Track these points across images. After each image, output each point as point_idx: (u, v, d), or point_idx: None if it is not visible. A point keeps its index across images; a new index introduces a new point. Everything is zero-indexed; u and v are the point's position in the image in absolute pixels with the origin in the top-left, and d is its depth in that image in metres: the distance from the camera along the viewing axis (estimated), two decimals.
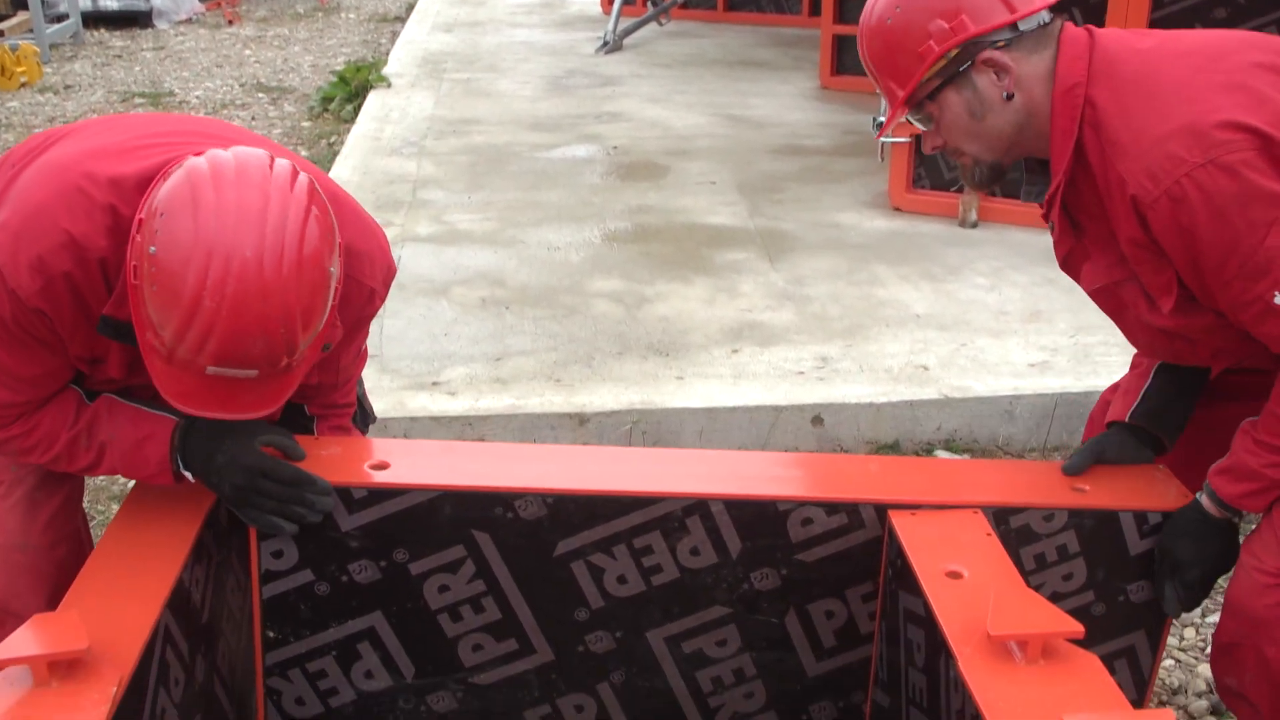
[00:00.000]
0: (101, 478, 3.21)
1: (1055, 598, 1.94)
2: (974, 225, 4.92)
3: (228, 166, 1.61)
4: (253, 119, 7.27)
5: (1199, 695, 2.56)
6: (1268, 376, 1.86)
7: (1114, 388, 2.20)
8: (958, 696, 1.62)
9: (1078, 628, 1.57)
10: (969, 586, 1.74)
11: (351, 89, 7.30)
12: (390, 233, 4.66)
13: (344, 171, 5.64)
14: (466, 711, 2.08)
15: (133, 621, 1.64)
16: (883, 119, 2.03)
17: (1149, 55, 1.82)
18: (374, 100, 7.03)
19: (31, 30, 8.77)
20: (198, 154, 1.66)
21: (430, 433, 3.36)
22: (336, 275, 1.67)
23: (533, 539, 1.95)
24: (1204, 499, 1.90)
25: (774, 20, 9.48)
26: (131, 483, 2.00)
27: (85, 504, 2.13)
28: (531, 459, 2.08)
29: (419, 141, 6.20)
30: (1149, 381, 2.09)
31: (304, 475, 1.88)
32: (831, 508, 1.94)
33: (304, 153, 6.49)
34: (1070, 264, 2.02)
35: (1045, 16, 1.86)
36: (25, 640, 1.49)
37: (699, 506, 1.93)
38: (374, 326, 3.41)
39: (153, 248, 1.55)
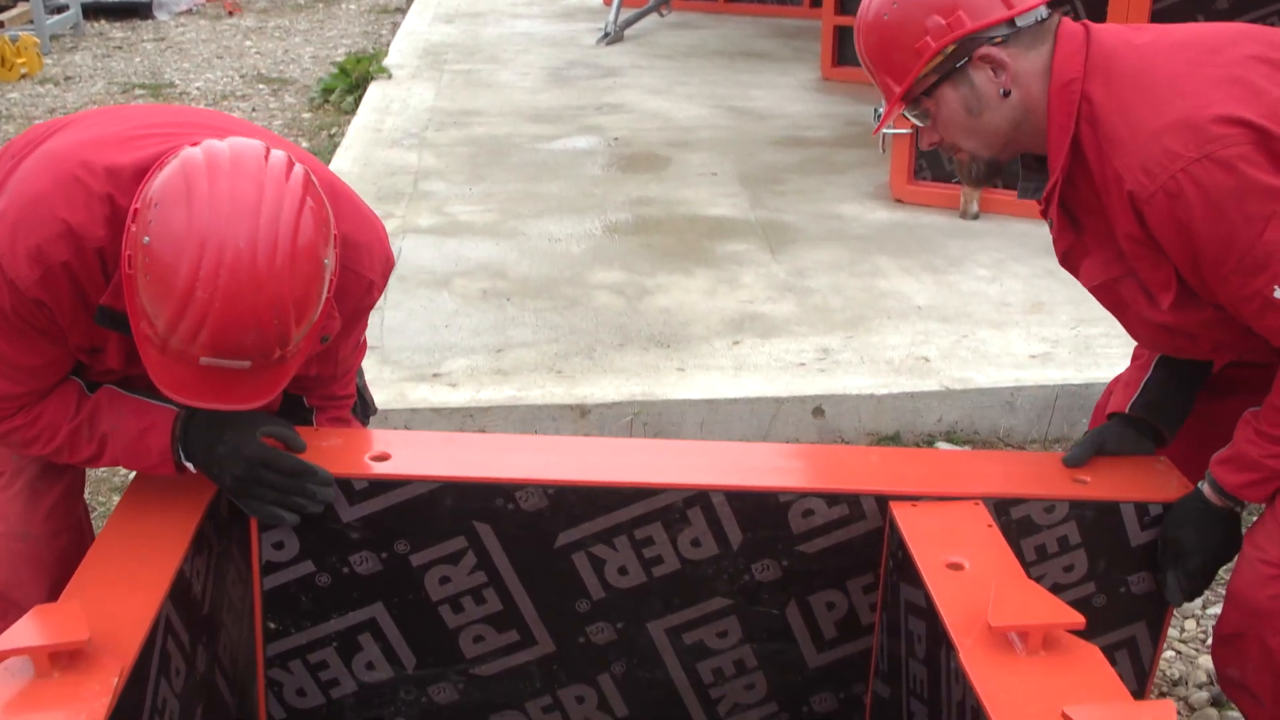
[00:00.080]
0: (102, 469, 3.21)
1: (1056, 589, 1.94)
2: (976, 217, 4.92)
3: (223, 157, 1.60)
4: (253, 110, 7.26)
5: (1200, 687, 2.56)
6: (1269, 370, 1.85)
7: (1119, 379, 2.20)
8: (958, 688, 1.62)
9: (1078, 619, 1.57)
10: (970, 578, 1.75)
11: (352, 80, 7.29)
12: (391, 224, 4.67)
13: (345, 163, 5.63)
14: (467, 702, 2.08)
15: (134, 612, 1.64)
16: (883, 111, 2.03)
17: (1145, 50, 1.82)
18: (375, 92, 7.02)
19: (31, 21, 8.75)
20: (194, 144, 1.65)
21: (431, 424, 3.36)
22: (331, 267, 1.67)
23: (534, 530, 1.95)
24: (1206, 488, 1.90)
25: (775, 11, 9.46)
26: (132, 474, 2.00)
27: (86, 495, 2.13)
28: (532, 450, 2.09)
29: (420, 133, 6.19)
30: (1149, 373, 2.09)
31: (305, 466, 1.88)
32: (832, 499, 1.94)
33: (304, 144, 6.49)
34: (1069, 261, 2.01)
35: (1043, 12, 1.86)
36: (26, 631, 1.50)
37: (700, 498, 1.94)
38: (375, 318, 3.42)
39: (147, 238, 1.55)
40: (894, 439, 3.52)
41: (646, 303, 4.11)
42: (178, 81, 7.97)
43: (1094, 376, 3.55)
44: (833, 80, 7.32)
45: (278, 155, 1.65)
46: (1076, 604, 1.77)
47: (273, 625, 2.00)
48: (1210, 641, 2.41)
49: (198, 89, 7.79)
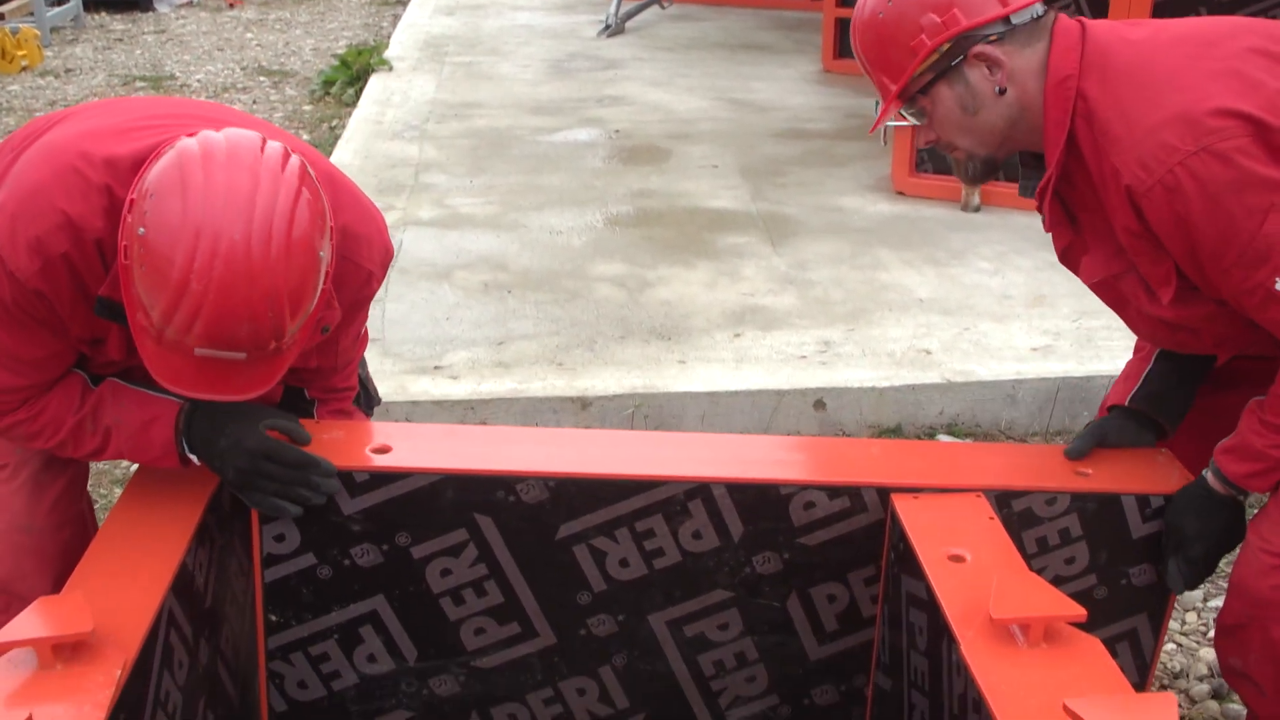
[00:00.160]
0: (104, 462, 3.22)
1: (1057, 581, 1.94)
2: (977, 209, 4.91)
3: (218, 148, 1.60)
4: (254, 103, 7.25)
5: (1200, 679, 2.56)
6: (1273, 363, 1.85)
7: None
8: (960, 680, 1.62)
9: (1080, 611, 1.57)
10: (971, 570, 1.75)
11: (353, 72, 7.28)
12: (392, 217, 4.66)
13: (346, 155, 5.63)
14: (469, 695, 2.08)
15: (137, 604, 1.64)
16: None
17: (1141, 45, 1.81)
18: (375, 84, 7.01)
19: (32, 13, 8.74)
20: (191, 135, 1.65)
21: (432, 416, 3.36)
22: (327, 259, 1.66)
23: (535, 522, 1.95)
24: (1210, 476, 1.90)
25: (776, 3, 9.44)
26: (134, 467, 2.00)
27: (89, 488, 2.13)
28: (533, 442, 2.08)
29: (421, 125, 6.19)
30: (1150, 366, 2.09)
31: (308, 458, 1.88)
32: (834, 491, 1.94)
33: (305, 136, 6.48)
34: (1069, 258, 2.01)
35: (1038, 9, 1.85)
36: (30, 623, 1.50)
37: (701, 490, 1.94)
38: (375, 311, 3.41)
39: (142, 229, 1.55)
40: (895, 431, 3.52)
41: (647, 295, 4.11)
42: (178, 74, 7.96)
43: (1096, 369, 3.55)
44: (834, 72, 7.31)
45: (274, 146, 1.65)
46: (1078, 596, 1.76)
47: (274, 618, 2.00)
48: (1212, 633, 2.42)
49: (198, 81, 7.78)
